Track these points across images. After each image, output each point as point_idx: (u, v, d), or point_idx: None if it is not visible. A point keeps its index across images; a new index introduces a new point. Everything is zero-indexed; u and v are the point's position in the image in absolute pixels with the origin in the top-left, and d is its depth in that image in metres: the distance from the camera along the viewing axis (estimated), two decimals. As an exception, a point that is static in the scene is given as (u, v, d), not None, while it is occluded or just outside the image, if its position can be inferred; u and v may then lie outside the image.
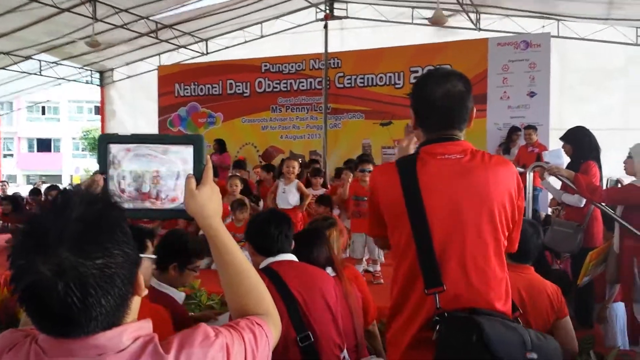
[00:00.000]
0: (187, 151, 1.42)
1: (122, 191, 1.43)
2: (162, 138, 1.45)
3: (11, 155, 35.55)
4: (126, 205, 1.39)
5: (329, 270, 3.02)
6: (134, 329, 1.06)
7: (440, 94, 1.92)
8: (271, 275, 2.58)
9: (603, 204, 4.32)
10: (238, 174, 8.05)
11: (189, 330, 1.11)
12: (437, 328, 1.81)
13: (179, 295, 2.93)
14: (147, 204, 1.43)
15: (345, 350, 2.74)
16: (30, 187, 10.68)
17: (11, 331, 1.14)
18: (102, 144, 1.45)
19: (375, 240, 2.27)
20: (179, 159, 1.43)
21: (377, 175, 2.11)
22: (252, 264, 1.37)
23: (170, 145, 1.43)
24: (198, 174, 1.36)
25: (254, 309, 1.31)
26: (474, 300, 1.86)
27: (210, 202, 1.32)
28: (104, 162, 1.43)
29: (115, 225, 1.05)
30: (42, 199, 9.60)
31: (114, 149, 1.44)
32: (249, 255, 2.68)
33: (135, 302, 1.10)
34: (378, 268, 5.86)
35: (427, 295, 1.84)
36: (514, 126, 8.90)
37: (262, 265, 2.74)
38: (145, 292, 1.13)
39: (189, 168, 1.41)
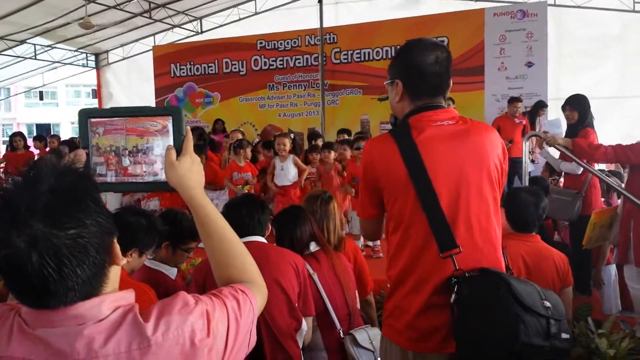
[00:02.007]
0: (168, 122, 1.41)
1: (103, 165, 1.42)
2: (141, 110, 1.45)
3: (10, 141, 35.54)
4: (108, 179, 1.40)
5: (312, 245, 3.05)
6: (114, 299, 1.07)
7: (431, 60, 1.94)
8: None
9: (606, 162, 4.26)
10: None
11: (168, 299, 1.11)
12: (456, 289, 1.84)
13: (171, 271, 2.94)
14: (129, 178, 1.43)
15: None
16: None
17: None
18: (83, 119, 1.44)
19: (368, 225, 2.19)
20: (158, 131, 1.42)
21: (373, 148, 2.06)
22: None
23: (149, 117, 1.42)
24: (178, 145, 1.36)
25: (238, 277, 1.31)
26: (481, 261, 1.91)
27: (191, 173, 1.32)
28: (86, 136, 1.43)
29: (86, 195, 1.05)
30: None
31: (95, 123, 1.43)
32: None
33: (114, 272, 1.10)
34: (378, 242, 5.89)
35: (442, 258, 1.87)
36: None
37: None
38: (124, 261, 1.14)
39: (169, 140, 1.40)
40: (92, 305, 1.04)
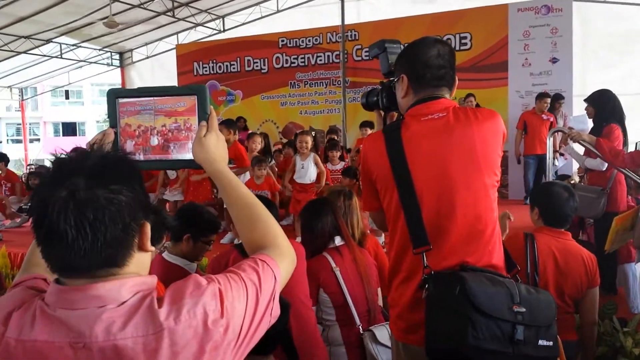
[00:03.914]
0: (193, 102, 1.46)
1: (132, 144, 1.48)
2: (167, 90, 1.50)
3: (38, 139, 36.08)
4: (136, 158, 1.46)
5: (337, 239, 3.06)
6: (134, 283, 1.09)
7: (434, 53, 2.00)
8: (242, 249, 2.68)
9: (627, 168, 4.24)
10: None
11: (180, 282, 1.13)
12: (426, 287, 1.87)
13: (191, 267, 2.96)
14: (156, 156, 1.48)
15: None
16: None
17: (23, 289, 1.19)
18: (111, 99, 1.50)
19: (373, 217, 2.25)
20: (186, 111, 1.46)
21: (366, 146, 2.14)
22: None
23: (175, 96, 1.46)
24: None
25: (262, 240, 1.33)
26: (465, 258, 1.91)
27: (216, 149, 1.39)
28: (114, 116, 1.49)
29: (130, 169, 1.12)
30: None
31: (123, 103, 1.49)
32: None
33: (142, 257, 1.14)
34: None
35: (414, 255, 1.90)
36: (558, 94, 8.59)
37: (239, 241, 2.82)
38: (152, 249, 1.16)
39: (196, 119, 1.44)
40: (112, 287, 1.06)
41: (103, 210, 1.03)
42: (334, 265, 2.95)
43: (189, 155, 1.44)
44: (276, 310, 1.24)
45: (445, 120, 1.95)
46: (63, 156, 1.10)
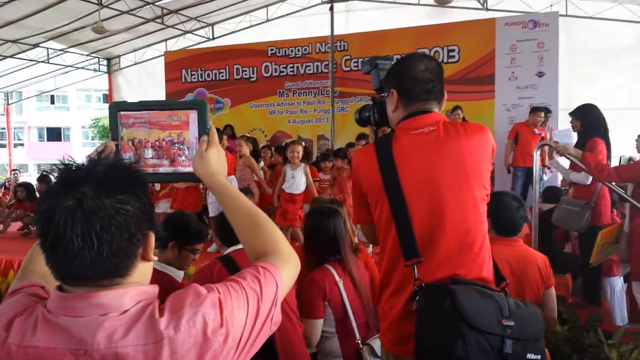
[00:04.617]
0: (192, 116, 1.48)
1: (129, 157, 1.51)
2: (168, 104, 1.53)
3: (22, 144, 35.75)
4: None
5: (337, 250, 3.07)
6: (137, 292, 1.10)
7: (422, 67, 2.05)
8: (226, 262, 2.69)
9: (612, 182, 4.31)
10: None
11: (180, 291, 1.13)
12: (417, 299, 1.89)
13: (178, 274, 2.94)
14: (150, 169, 1.51)
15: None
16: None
17: (24, 295, 1.19)
18: (113, 112, 1.53)
19: (364, 230, 2.29)
20: (179, 125, 1.48)
21: (358, 158, 2.19)
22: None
23: (175, 110, 1.49)
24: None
25: (264, 247, 1.34)
26: (455, 270, 1.93)
27: (217, 163, 1.43)
28: (116, 129, 1.51)
29: (137, 175, 1.14)
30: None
31: (123, 116, 1.52)
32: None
33: (144, 267, 1.15)
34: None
35: (405, 267, 1.92)
36: (546, 108, 8.64)
37: (224, 253, 2.83)
38: (155, 259, 1.18)
39: (194, 132, 1.47)
40: (115, 296, 1.07)
41: (110, 219, 1.04)
42: (337, 277, 2.96)
43: (184, 169, 1.48)
44: (278, 317, 1.25)
45: (435, 134, 1.98)
46: (71, 163, 1.11)
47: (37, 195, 9.51)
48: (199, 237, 3.02)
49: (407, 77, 2.06)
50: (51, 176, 1.14)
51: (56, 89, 16.49)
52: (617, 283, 4.67)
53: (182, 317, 1.06)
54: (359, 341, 2.90)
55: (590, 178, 4.69)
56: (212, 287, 1.14)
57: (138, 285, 1.12)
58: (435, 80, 2.06)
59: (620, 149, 7.05)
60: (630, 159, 5.31)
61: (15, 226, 8.56)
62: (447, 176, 1.95)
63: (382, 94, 2.20)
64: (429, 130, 1.99)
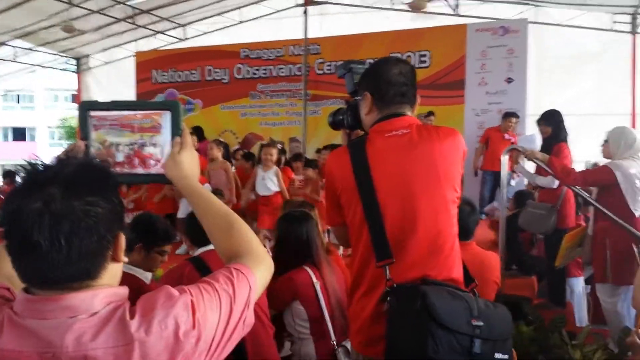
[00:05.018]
0: (164, 117, 1.46)
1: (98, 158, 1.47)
2: (140, 104, 1.51)
3: (-14, 144, 34.95)
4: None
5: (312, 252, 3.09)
6: (107, 294, 1.08)
7: (396, 71, 2.09)
8: (196, 263, 2.68)
9: (577, 186, 4.42)
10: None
11: (151, 293, 1.13)
12: (388, 299, 1.91)
13: (145, 276, 2.91)
14: (122, 170, 1.48)
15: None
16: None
17: None
18: (83, 111, 1.49)
19: (336, 232, 2.30)
20: (151, 128, 1.46)
21: (331, 160, 2.20)
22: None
23: (147, 111, 1.47)
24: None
25: (236, 249, 1.33)
26: (426, 271, 1.96)
27: (189, 165, 1.41)
28: (85, 129, 1.48)
29: (107, 175, 1.12)
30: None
31: (93, 116, 1.48)
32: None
33: (114, 269, 1.13)
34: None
35: (377, 268, 1.95)
36: (513, 112, 8.82)
37: (194, 254, 2.82)
38: (125, 260, 1.16)
39: (166, 134, 1.44)
40: (84, 298, 1.05)
41: (79, 222, 1.02)
42: (314, 279, 2.97)
43: (155, 171, 1.46)
44: (250, 319, 1.24)
45: (408, 137, 2.01)
46: (38, 163, 1.08)
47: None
48: (167, 238, 2.99)
49: (381, 80, 2.09)
50: (16, 174, 1.12)
51: (22, 89, 16.11)
52: (578, 284, 4.79)
53: (153, 319, 1.05)
54: (334, 343, 2.92)
55: (556, 182, 4.80)
56: (184, 289, 1.13)
57: (108, 287, 1.10)
58: (409, 84, 2.10)
59: (586, 154, 7.21)
60: (595, 164, 5.46)
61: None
62: (420, 178, 1.98)
63: (356, 97, 2.22)
64: (403, 133, 2.02)
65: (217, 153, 7.27)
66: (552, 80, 9.72)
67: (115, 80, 13.58)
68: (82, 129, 1.48)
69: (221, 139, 9.16)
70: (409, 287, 1.90)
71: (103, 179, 1.10)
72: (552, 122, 4.99)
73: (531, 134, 6.49)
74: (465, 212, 3.07)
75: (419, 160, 1.99)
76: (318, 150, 8.83)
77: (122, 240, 1.13)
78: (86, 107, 1.49)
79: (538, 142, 5.50)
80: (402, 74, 2.08)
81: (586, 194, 4.32)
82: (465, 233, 3.07)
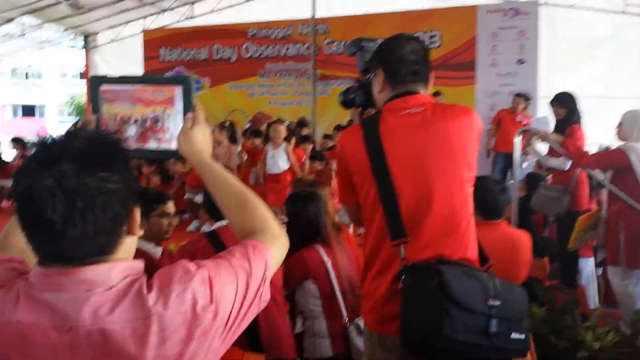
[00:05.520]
0: (176, 93, 1.43)
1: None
2: (152, 79, 1.49)
3: (-5, 121, 34.97)
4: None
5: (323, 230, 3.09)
6: (124, 267, 1.07)
7: (409, 49, 2.05)
8: (211, 238, 2.67)
9: (591, 168, 4.39)
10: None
11: (168, 268, 1.11)
12: (403, 279, 1.89)
13: (156, 251, 2.90)
14: (134, 146, 1.45)
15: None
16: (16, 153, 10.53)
17: (5, 268, 1.14)
18: (94, 85, 1.46)
19: (348, 211, 2.28)
20: (164, 101, 1.44)
21: (344, 138, 2.17)
22: None
23: (159, 85, 1.45)
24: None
25: (251, 226, 1.32)
26: (441, 251, 1.94)
27: (203, 141, 1.38)
28: (96, 103, 1.45)
29: (118, 152, 1.08)
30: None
31: (105, 90, 1.46)
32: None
33: (130, 242, 1.12)
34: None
35: (391, 247, 1.93)
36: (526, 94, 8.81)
37: (211, 229, 2.81)
38: (141, 232, 1.15)
39: (179, 109, 1.42)
40: (101, 271, 1.04)
41: (93, 199, 1.00)
42: (325, 258, 2.97)
43: (167, 146, 1.44)
44: (266, 295, 1.23)
45: (422, 116, 1.98)
46: (47, 138, 1.05)
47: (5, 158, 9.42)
48: (160, 197, 2.94)
49: (393, 58, 2.06)
50: (24, 142, 1.10)
51: (29, 66, 16.08)
52: (587, 265, 4.78)
53: (171, 293, 1.04)
54: (347, 320, 2.93)
55: (568, 164, 4.78)
56: (201, 264, 1.12)
57: (124, 260, 1.09)
58: (422, 62, 2.06)
59: (597, 137, 7.16)
60: (607, 147, 5.42)
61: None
62: (434, 157, 1.96)
63: (368, 76, 2.19)
64: (416, 111, 1.99)
65: (221, 137, 7.25)
66: (564, 63, 9.63)
67: (122, 58, 13.52)
68: (93, 103, 1.46)
69: (225, 123, 9.12)
70: (425, 266, 1.89)
71: (114, 154, 1.07)
72: (565, 103, 4.94)
73: (544, 116, 6.46)
74: (496, 191, 3.05)
75: (434, 138, 1.96)
76: (325, 136, 8.79)
77: (137, 213, 1.12)
78: (97, 81, 1.48)
79: (551, 125, 5.46)
80: (414, 51, 2.05)
81: (600, 176, 4.30)
82: (495, 212, 3.06)
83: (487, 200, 3.03)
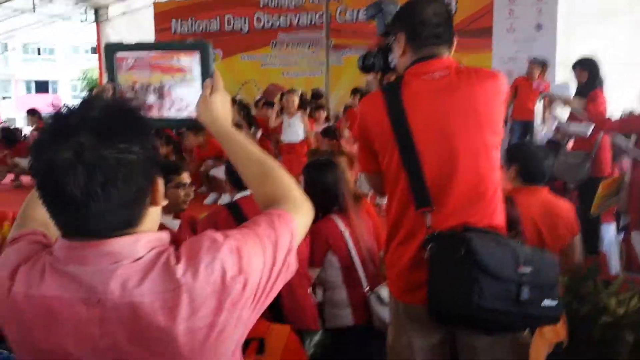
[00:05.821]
0: (194, 59, 1.38)
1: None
2: (168, 45, 1.44)
3: (9, 97, 35.16)
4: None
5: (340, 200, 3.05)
6: (149, 239, 1.04)
7: (431, 12, 1.98)
8: (232, 209, 2.64)
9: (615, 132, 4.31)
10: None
11: (195, 238, 1.08)
12: (429, 247, 1.86)
13: (173, 224, 2.89)
14: (152, 114, 1.41)
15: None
16: (30, 128, 10.57)
17: (27, 242, 1.13)
18: (109, 53, 1.42)
19: (369, 180, 2.25)
20: (181, 68, 1.40)
21: (364, 104, 2.14)
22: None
23: (176, 52, 1.40)
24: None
25: (274, 195, 1.27)
26: (467, 218, 1.90)
27: (223, 109, 1.34)
28: (112, 70, 1.41)
29: (136, 116, 1.04)
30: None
31: (120, 58, 1.41)
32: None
33: (154, 212, 1.09)
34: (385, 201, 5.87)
35: (416, 215, 1.90)
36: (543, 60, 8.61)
37: (234, 199, 2.80)
38: (165, 202, 1.11)
39: (197, 76, 1.37)
40: (127, 243, 1.01)
41: (115, 172, 0.96)
42: (342, 227, 2.94)
43: (188, 114, 1.39)
44: (293, 265, 1.20)
45: (447, 80, 1.93)
46: (63, 108, 1.02)
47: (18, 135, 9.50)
48: (175, 168, 2.94)
49: (415, 20, 1.99)
50: (39, 112, 1.06)
51: (39, 42, 16.08)
52: (609, 231, 4.73)
53: (199, 263, 1.01)
54: (367, 290, 2.91)
55: (590, 129, 4.70)
56: (228, 234, 1.09)
57: (150, 232, 1.06)
58: (444, 24, 2.00)
59: (617, 103, 7.03)
60: (630, 112, 5.32)
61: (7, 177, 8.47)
62: (460, 123, 1.91)
63: (388, 40, 2.13)
64: (441, 75, 1.94)
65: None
66: (583, 28, 9.40)
67: (134, 30, 13.45)
68: (109, 71, 1.41)
69: (236, 98, 9.04)
70: (452, 234, 1.85)
71: (133, 123, 1.03)
72: (589, 68, 4.86)
73: (564, 83, 6.35)
74: (540, 155, 3.00)
75: (459, 103, 1.91)
76: (347, 108, 8.61)
77: (160, 183, 1.08)
78: (112, 49, 1.42)
79: (572, 91, 5.38)
80: (436, 14, 1.97)
81: (625, 141, 4.22)
82: (538, 177, 3.00)
83: (532, 165, 2.99)
